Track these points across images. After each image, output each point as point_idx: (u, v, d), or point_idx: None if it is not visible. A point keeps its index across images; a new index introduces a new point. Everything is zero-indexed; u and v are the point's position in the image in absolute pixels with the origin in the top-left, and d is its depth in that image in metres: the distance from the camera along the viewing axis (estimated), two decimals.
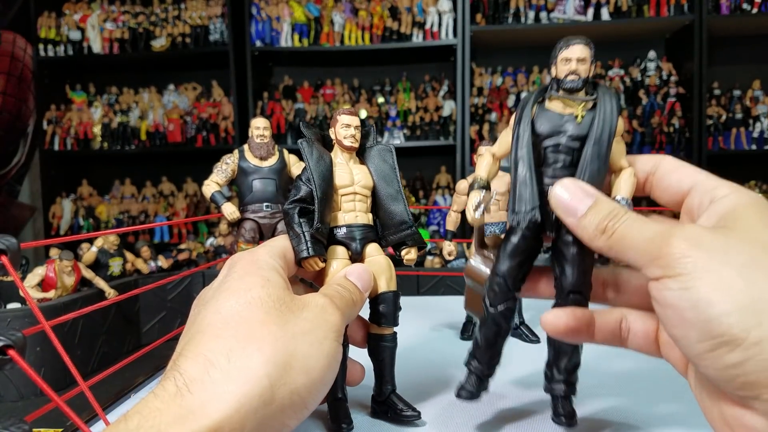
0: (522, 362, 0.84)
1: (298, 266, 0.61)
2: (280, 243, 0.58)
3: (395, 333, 0.67)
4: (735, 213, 0.42)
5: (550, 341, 0.59)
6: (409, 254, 0.66)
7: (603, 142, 0.53)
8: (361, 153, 0.69)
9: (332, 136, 0.68)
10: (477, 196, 0.58)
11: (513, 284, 0.58)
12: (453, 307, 1.32)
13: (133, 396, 0.85)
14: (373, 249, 0.66)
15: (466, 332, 1.14)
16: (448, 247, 1.23)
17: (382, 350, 0.66)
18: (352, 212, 0.66)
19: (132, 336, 1.79)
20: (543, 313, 0.53)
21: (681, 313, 0.39)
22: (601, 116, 0.54)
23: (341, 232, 0.65)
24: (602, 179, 0.53)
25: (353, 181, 0.66)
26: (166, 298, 1.88)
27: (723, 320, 0.37)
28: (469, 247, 2.06)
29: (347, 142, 0.66)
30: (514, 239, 0.57)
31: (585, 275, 0.55)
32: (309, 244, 0.59)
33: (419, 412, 0.64)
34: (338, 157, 0.67)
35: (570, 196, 0.49)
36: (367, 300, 0.64)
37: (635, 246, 0.44)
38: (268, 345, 0.42)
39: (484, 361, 0.60)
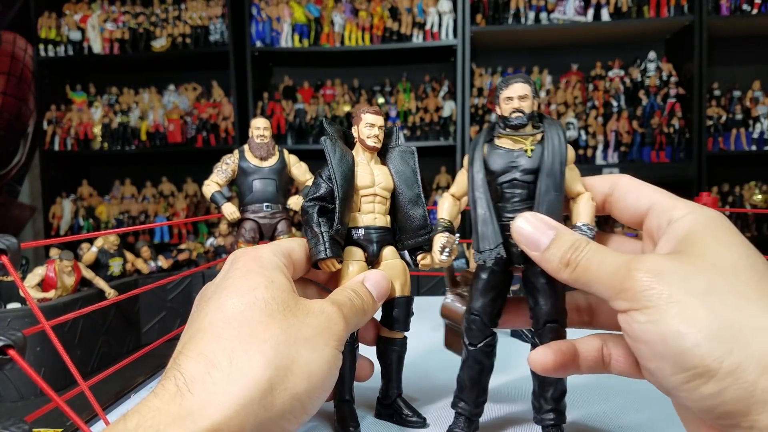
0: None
1: (314, 267, 0.60)
2: (285, 243, 0.57)
3: (405, 338, 0.67)
4: (691, 236, 0.42)
5: (534, 373, 0.58)
6: (426, 259, 0.65)
7: (556, 173, 0.55)
8: (382, 153, 0.68)
9: (354, 135, 0.66)
10: (442, 239, 0.60)
11: (489, 320, 0.59)
12: None
13: (133, 396, 0.85)
14: (389, 252, 0.65)
15: None
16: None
17: (391, 354, 0.66)
18: (370, 214, 0.64)
19: (132, 336, 1.79)
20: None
21: (652, 347, 0.40)
22: (550, 148, 0.55)
23: (359, 234, 0.64)
24: (560, 208, 0.55)
25: (374, 182, 0.65)
26: (166, 299, 1.88)
27: (695, 352, 0.37)
28: (469, 247, 2.06)
29: (370, 142, 0.65)
30: (484, 275, 0.58)
31: (558, 303, 0.56)
32: (327, 245, 0.58)
33: (424, 419, 0.64)
34: (359, 156, 0.66)
35: (531, 230, 0.49)
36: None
37: (599, 279, 0.44)
38: (270, 348, 0.41)
39: (471, 401, 0.60)
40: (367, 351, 0.66)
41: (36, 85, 3.55)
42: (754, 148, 3.13)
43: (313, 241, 0.59)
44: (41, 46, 3.48)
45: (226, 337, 0.41)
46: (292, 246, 0.57)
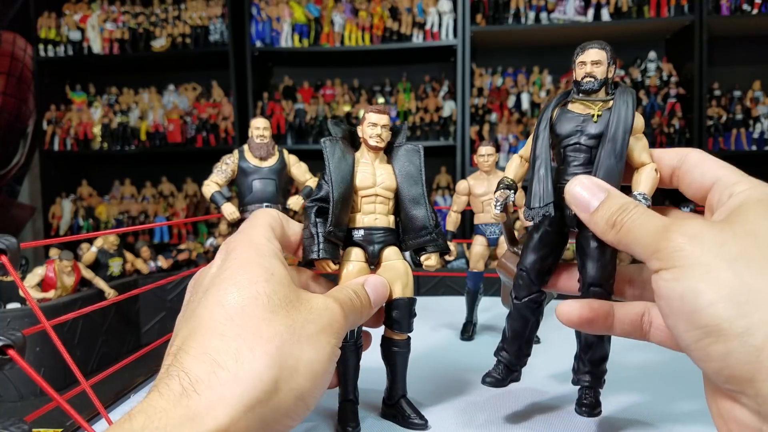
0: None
1: (307, 266, 0.60)
2: (266, 220, 0.54)
3: (408, 339, 0.66)
4: (741, 207, 0.43)
5: (578, 333, 0.60)
6: (429, 260, 0.65)
7: (617, 139, 0.55)
8: (388, 151, 0.67)
9: (359, 134, 0.66)
10: (498, 194, 0.63)
11: (536, 277, 0.61)
12: (453, 308, 1.32)
13: (132, 396, 0.85)
14: (391, 253, 0.64)
15: (465, 333, 1.14)
16: (450, 249, 1.23)
17: (394, 355, 0.65)
18: (371, 214, 0.64)
19: (132, 336, 1.79)
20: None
21: (670, 303, 0.41)
22: (616, 114, 0.56)
23: (359, 235, 0.63)
24: (619, 175, 0.55)
25: (375, 183, 0.64)
26: (166, 299, 1.88)
27: (708, 310, 0.38)
28: (468, 247, 2.06)
29: (372, 142, 0.64)
30: (536, 234, 0.60)
31: (605, 269, 0.57)
32: (321, 246, 0.58)
33: (426, 421, 0.64)
34: (364, 156, 0.65)
35: (584, 192, 0.50)
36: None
37: (640, 240, 0.45)
38: (275, 347, 0.41)
39: (513, 352, 0.62)
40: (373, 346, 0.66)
41: (36, 85, 3.55)
42: (754, 148, 3.13)
43: (308, 241, 0.59)
44: (41, 46, 3.48)
45: (229, 335, 0.40)
46: (271, 222, 0.55)
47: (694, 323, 0.39)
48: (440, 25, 3.22)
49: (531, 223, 0.62)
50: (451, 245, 1.23)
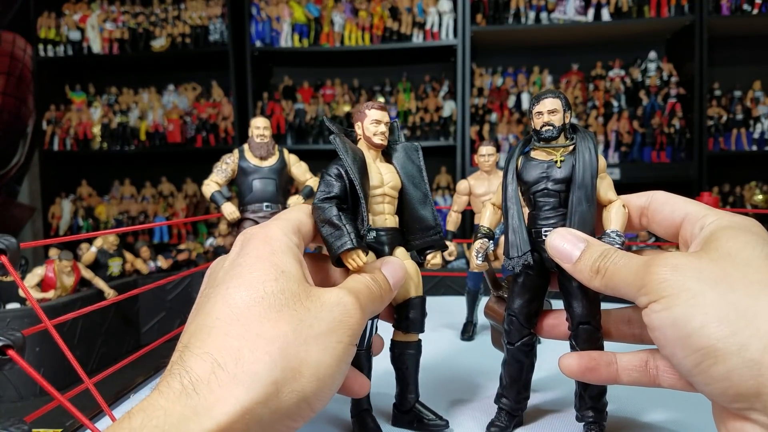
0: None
1: (336, 265, 0.55)
2: (295, 215, 0.53)
3: (420, 341, 0.65)
4: (713, 236, 0.45)
5: None
6: (435, 258, 0.64)
7: (587, 185, 0.58)
8: (385, 150, 0.65)
9: (358, 132, 0.63)
10: (477, 245, 0.66)
11: (526, 320, 0.63)
12: (453, 308, 1.32)
13: (132, 396, 0.85)
14: (401, 254, 0.63)
15: (466, 333, 1.14)
16: (449, 247, 1.22)
17: (407, 359, 0.64)
18: (381, 215, 0.62)
19: (131, 336, 1.78)
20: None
21: (664, 332, 0.42)
22: (581, 160, 0.58)
23: (370, 237, 0.60)
24: (592, 218, 0.58)
25: (383, 182, 0.62)
26: (166, 299, 1.88)
27: (701, 332, 0.39)
28: (469, 247, 2.06)
29: (377, 140, 0.62)
30: (521, 279, 0.63)
31: (591, 305, 0.59)
32: (353, 236, 0.52)
33: (447, 421, 0.63)
34: (365, 155, 0.62)
35: (564, 244, 0.53)
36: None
37: (625, 280, 0.47)
38: (277, 348, 0.40)
39: (512, 397, 0.64)
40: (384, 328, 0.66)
41: (35, 85, 3.55)
42: (754, 148, 3.13)
43: (334, 236, 0.53)
44: (41, 46, 3.48)
45: (233, 335, 0.40)
46: (300, 219, 0.54)
47: (690, 347, 0.40)
48: (440, 25, 3.22)
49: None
50: (452, 245, 1.22)
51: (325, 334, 0.44)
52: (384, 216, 0.62)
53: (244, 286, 0.43)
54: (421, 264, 0.65)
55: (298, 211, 0.55)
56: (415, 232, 0.64)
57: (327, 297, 0.46)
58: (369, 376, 0.61)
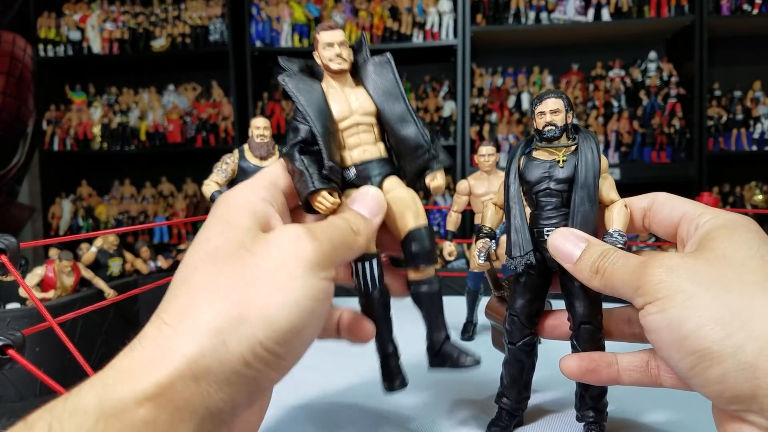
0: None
1: (307, 211, 0.51)
2: (270, 170, 0.51)
3: (435, 275, 0.58)
4: (708, 235, 0.45)
5: None
6: (436, 180, 0.56)
7: (589, 185, 0.58)
8: (354, 73, 0.58)
9: (318, 62, 0.57)
10: (480, 244, 0.66)
11: (527, 320, 0.63)
12: (453, 308, 1.31)
13: None
14: (393, 183, 0.56)
15: (466, 333, 1.14)
16: (449, 247, 1.22)
17: (425, 296, 0.57)
18: (358, 147, 0.55)
19: (131, 336, 1.78)
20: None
21: (660, 335, 0.42)
22: (583, 161, 0.59)
23: (351, 174, 0.55)
24: (594, 218, 0.58)
25: (351, 111, 0.55)
26: None
27: (696, 335, 0.39)
28: (469, 247, 2.06)
29: (335, 65, 0.55)
30: (522, 279, 0.63)
31: (592, 305, 0.59)
32: (314, 177, 0.49)
33: (479, 357, 0.56)
34: (329, 85, 0.56)
35: (565, 243, 0.53)
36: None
37: (622, 280, 0.47)
38: (219, 298, 0.38)
39: (513, 397, 0.64)
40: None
41: (35, 85, 3.55)
42: (754, 148, 3.12)
43: (299, 182, 0.50)
44: (41, 46, 3.48)
45: (179, 295, 0.39)
46: (275, 173, 0.51)
47: (685, 350, 0.40)
48: (440, 25, 3.22)
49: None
50: (452, 245, 1.22)
51: (272, 271, 0.40)
52: (362, 147, 0.56)
53: (194, 248, 0.42)
54: (425, 191, 0.58)
55: (274, 166, 0.52)
56: (404, 156, 0.56)
57: (272, 235, 0.43)
58: (387, 322, 0.56)
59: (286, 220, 0.49)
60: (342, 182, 0.54)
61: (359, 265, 0.54)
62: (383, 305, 0.56)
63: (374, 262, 0.55)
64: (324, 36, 0.56)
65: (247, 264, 0.40)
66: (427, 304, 0.57)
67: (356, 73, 0.58)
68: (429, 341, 0.58)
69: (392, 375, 0.57)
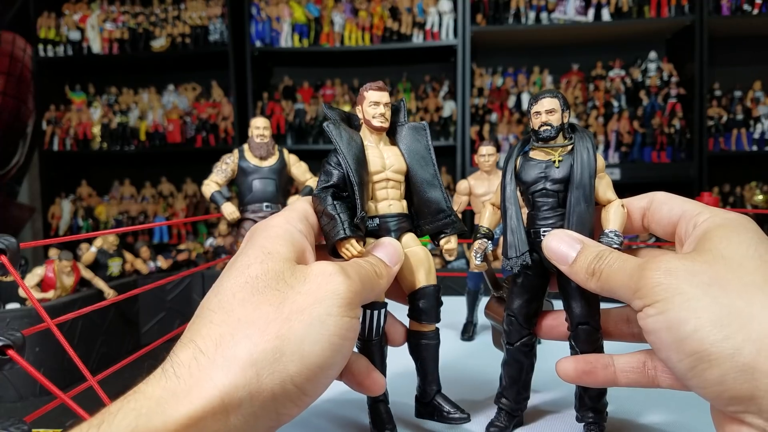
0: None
1: (332, 255, 0.54)
2: (301, 205, 0.53)
3: (437, 330, 0.62)
4: (706, 235, 0.45)
5: None
6: (449, 243, 0.61)
7: (585, 185, 0.57)
8: (391, 132, 0.63)
9: (359, 116, 0.61)
10: (477, 245, 0.66)
11: (525, 321, 0.63)
12: (453, 308, 1.31)
13: None
14: (410, 240, 0.60)
15: (466, 333, 1.14)
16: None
17: (425, 349, 0.61)
18: (384, 201, 0.59)
19: (131, 336, 1.78)
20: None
21: (659, 336, 0.42)
22: (579, 161, 0.58)
23: (374, 224, 0.58)
24: (590, 218, 0.57)
25: (384, 166, 0.59)
26: (166, 299, 1.87)
27: (695, 337, 0.39)
28: (469, 247, 2.06)
29: (377, 122, 0.59)
30: (520, 279, 0.63)
31: (589, 305, 0.59)
32: (345, 225, 0.52)
33: (468, 414, 0.60)
34: (367, 139, 0.60)
35: (561, 245, 0.53)
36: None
37: (620, 283, 0.47)
38: (257, 330, 0.39)
39: (512, 397, 0.64)
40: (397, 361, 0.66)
41: (35, 85, 3.55)
42: (755, 148, 3.12)
43: (329, 225, 0.52)
44: (40, 46, 3.47)
45: (216, 322, 0.40)
46: (306, 208, 0.53)
47: (684, 351, 0.40)
48: (440, 25, 3.21)
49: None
50: None
51: (309, 307, 0.41)
52: (388, 201, 0.60)
53: (231, 274, 0.43)
54: (437, 245, 0.63)
55: (304, 202, 0.55)
56: (425, 216, 0.61)
57: (310, 269, 0.44)
58: (383, 367, 0.59)
59: (314, 254, 0.51)
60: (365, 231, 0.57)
61: (368, 312, 0.56)
62: (380, 351, 0.59)
63: (383, 311, 0.58)
64: (372, 95, 0.59)
65: (286, 297, 0.41)
66: (424, 356, 0.61)
67: (390, 132, 0.62)
68: (420, 392, 0.62)
69: (382, 422, 0.59)
